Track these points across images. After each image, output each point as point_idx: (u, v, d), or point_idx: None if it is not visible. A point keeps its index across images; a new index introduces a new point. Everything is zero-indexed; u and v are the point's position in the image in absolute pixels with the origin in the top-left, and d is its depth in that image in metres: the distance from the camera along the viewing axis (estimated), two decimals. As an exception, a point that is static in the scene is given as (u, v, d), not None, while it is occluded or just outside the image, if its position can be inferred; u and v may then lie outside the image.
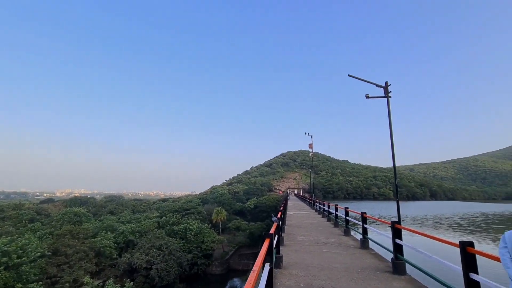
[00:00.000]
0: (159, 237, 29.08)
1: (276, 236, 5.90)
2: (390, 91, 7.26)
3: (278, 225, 6.65)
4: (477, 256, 3.61)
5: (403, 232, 6.18)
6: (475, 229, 22.56)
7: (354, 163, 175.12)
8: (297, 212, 20.56)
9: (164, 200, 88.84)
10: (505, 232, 2.83)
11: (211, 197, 75.71)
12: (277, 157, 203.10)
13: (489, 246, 17.12)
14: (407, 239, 6.00)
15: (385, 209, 40.98)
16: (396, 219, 6.90)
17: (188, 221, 35.67)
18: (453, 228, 21.86)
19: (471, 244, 3.72)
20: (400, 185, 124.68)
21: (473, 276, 3.58)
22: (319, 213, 19.20)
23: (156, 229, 33.02)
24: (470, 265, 3.67)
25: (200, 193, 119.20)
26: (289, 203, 28.66)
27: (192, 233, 31.61)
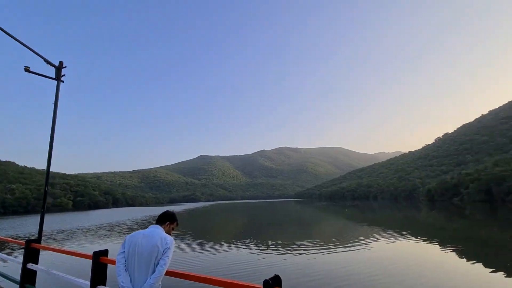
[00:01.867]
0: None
1: None
2: (64, 75, 5.92)
3: None
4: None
5: (43, 252, 4.85)
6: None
7: (25, 166, 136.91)
8: None
9: None
10: (127, 236, 2.72)
11: None
12: None
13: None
14: (54, 259, 4.75)
15: (50, 224, 35.34)
16: (37, 236, 5.35)
17: None
18: (121, 233, 23.86)
19: (104, 253, 3.42)
20: (83, 194, 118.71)
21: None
22: None
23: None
24: (99, 276, 3.34)
25: None
26: None
27: None
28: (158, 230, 2.70)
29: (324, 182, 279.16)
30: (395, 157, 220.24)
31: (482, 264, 10.78)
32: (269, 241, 16.80)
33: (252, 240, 17.37)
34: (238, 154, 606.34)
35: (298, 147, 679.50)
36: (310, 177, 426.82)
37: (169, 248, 2.57)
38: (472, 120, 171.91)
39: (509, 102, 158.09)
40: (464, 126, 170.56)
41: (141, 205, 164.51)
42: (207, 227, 29.53)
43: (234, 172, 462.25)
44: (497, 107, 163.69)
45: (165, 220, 2.89)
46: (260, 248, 14.74)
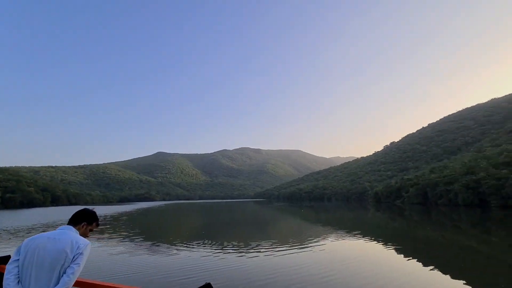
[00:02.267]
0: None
1: None
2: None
3: None
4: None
5: None
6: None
7: None
8: None
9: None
10: (24, 240, 2.17)
11: None
12: None
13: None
14: None
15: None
16: None
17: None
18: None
19: (4, 260, 2.74)
20: (14, 190, 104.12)
21: None
22: None
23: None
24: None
25: None
26: None
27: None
28: (69, 232, 2.20)
29: (283, 184, 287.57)
30: (349, 161, 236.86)
31: (417, 260, 12.00)
32: (225, 242, 16.51)
33: (207, 242, 16.89)
34: (198, 153, 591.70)
35: (260, 148, 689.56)
36: (270, 178, 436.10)
37: (81, 254, 2.09)
38: (414, 131, 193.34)
39: (444, 117, 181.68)
40: (407, 136, 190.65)
41: (86, 203, 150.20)
42: (160, 228, 28.06)
43: (194, 171, 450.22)
44: (434, 120, 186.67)
45: (81, 220, 2.37)
46: (215, 249, 14.38)
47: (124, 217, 40.57)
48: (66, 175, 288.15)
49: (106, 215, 44.47)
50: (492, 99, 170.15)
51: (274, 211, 56.63)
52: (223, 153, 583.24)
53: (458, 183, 56.86)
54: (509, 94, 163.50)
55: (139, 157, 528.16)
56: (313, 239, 17.60)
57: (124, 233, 21.61)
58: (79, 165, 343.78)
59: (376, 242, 16.74)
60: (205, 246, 15.21)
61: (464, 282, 8.49)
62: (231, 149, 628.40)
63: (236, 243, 16.15)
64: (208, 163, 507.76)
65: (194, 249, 14.38)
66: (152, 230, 25.87)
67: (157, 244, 16.42)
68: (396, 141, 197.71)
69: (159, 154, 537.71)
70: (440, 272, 9.80)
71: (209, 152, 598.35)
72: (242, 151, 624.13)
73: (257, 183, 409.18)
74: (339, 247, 15.26)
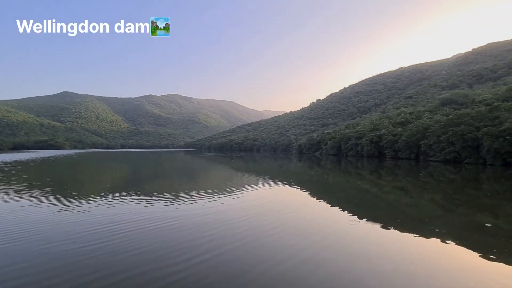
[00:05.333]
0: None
1: None
2: None
3: None
4: None
5: None
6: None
7: None
8: None
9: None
10: None
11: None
12: None
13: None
14: None
15: None
16: None
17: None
18: None
19: None
20: None
21: None
22: None
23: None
24: None
25: None
26: None
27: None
28: None
29: (214, 134, 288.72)
30: (279, 115, 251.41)
31: (324, 200, 14.38)
32: (153, 194, 16.07)
33: (133, 193, 16.09)
34: (119, 96, 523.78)
35: (192, 96, 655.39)
36: (201, 128, 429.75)
37: None
38: (337, 91, 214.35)
39: (362, 80, 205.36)
40: (331, 95, 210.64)
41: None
42: (74, 180, 25.05)
43: (113, 117, 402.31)
44: (354, 83, 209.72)
45: None
46: (141, 201, 13.89)
47: (16, 167, 34.28)
48: None
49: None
50: (399, 68, 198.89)
51: (205, 161, 57.38)
52: (149, 98, 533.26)
53: (365, 138, 67.92)
54: (414, 65, 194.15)
55: (36, 96, 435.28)
56: (236, 188, 18.81)
57: (34, 183, 18.47)
58: None
59: (291, 186, 19.12)
60: (128, 197, 14.49)
61: (357, 217, 10.66)
62: (158, 95, 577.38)
63: (165, 194, 15.92)
64: (131, 109, 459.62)
65: (116, 202, 13.54)
66: (67, 182, 22.86)
67: (68, 198, 14.76)
68: (321, 98, 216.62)
69: (65, 94, 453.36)
70: (340, 209, 12.06)
71: (132, 96, 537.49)
72: (171, 98, 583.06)
73: (187, 133, 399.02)
74: (258, 192, 16.82)
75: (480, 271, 6.06)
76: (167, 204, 12.63)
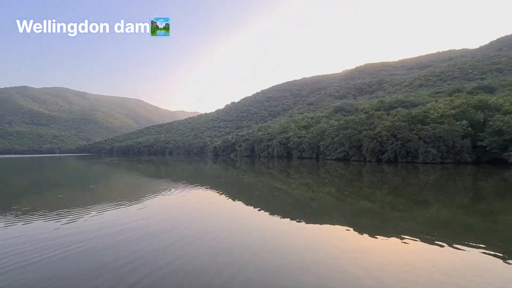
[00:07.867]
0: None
1: None
2: None
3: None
4: None
5: None
6: None
7: None
8: None
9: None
10: None
11: None
12: None
13: None
14: None
15: None
16: None
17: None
18: None
19: None
20: None
21: None
22: None
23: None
24: None
25: None
26: None
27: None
28: None
29: (118, 136, 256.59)
30: (193, 116, 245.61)
31: (239, 200, 14.89)
32: (31, 209, 12.90)
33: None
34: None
35: (86, 91, 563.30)
36: (100, 129, 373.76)
37: None
38: (250, 95, 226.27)
39: (272, 86, 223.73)
40: (245, 98, 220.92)
41: None
42: None
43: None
44: (265, 88, 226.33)
45: None
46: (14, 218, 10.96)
47: None
48: None
49: None
50: (303, 78, 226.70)
51: (105, 167, 50.17)
52: (24, 91, 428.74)
53: (276, 139, 74.03)
54: (314, 76, 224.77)
55: None
56: (145, 195, 17.36)
57: None
58: None
59: (207, 189, 19.03)
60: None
61: (269, 212, 11.50)
62: (37, 87, 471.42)
63: (44, 210, 13.03)
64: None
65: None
66: None
67: None
68: (236, 101, 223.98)
69: None
70: (252, 207, 12.75)
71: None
72: (57, 92, 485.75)
73: (80, 135, 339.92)
74: (169, 200, 16.02)
75: (366, 247, 7.50)
76: (62, 223, 10.39)
